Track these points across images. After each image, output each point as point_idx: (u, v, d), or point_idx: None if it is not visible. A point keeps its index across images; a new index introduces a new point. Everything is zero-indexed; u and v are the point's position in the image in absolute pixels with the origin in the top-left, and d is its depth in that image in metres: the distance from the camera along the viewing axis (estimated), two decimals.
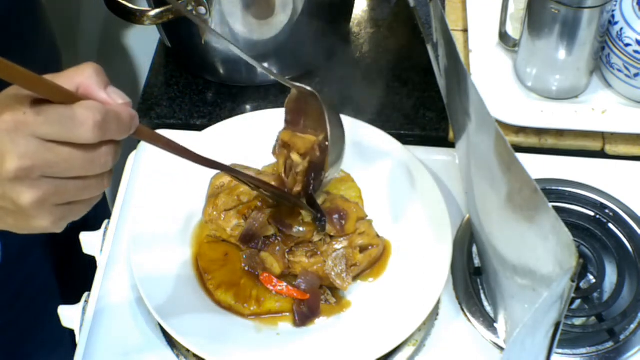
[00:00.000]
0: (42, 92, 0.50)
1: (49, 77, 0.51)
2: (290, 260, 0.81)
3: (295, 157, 0.83)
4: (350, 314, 0.80)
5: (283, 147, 0.84)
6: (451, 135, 0.97)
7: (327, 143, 0.78)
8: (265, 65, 1.02)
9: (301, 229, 0.81)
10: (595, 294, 0.83)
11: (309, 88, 0.80)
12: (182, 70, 1.06)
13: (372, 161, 0.90)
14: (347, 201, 0.84)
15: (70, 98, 0.51)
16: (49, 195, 0.52)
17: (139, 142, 0.98)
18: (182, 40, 1.03)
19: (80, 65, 0.53)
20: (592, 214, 0.87)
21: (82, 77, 0.53)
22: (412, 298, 0.79)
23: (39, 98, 0.50)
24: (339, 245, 0.82)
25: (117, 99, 0.54)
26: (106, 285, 0.84)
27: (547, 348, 0.60)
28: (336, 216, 0.82)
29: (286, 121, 0.84)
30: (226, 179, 0.87)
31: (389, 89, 1.03)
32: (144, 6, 0.91)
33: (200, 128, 0.95)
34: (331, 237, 0.82)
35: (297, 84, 0.80)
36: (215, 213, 0.83)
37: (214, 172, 0.89)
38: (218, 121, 0.93)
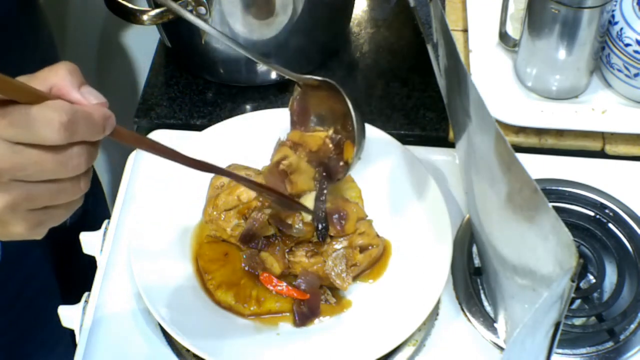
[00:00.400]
0: (7, 93, 0.47)
1: (22, 78, 0.50)
2: (290, 260, 0.81)
3: (302, 164, 0.83)
4: (350, 314, 0.80)
5: (293, 147, 0.85)
6: (451, 135, 0.97)
7: (350, 128, 0.81)
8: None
9: (301, 229, 0.81)
10: (595, 294, 0.83)
11: (319, 78, 0.81)
12: (182, 70, 1.06)
13: (372, 161, 0.90)
14: (347, 201, 0.85)
15: (38, 98, 0.49)
16: (21, 200, 0.51)
17: None
18: (182, 40, 1.03)
19: (54, 65, 0.52)
20: (592, 214, 0.87)
21: (56, 77, 0.51)
22: (412, 298, 0.79)
23: (5, 100, 0.48)
24: (339, 245, 0.82)
25: (91, 99, 0.52)
26: (106, 285, 0.84)
27: (547, 348, 0.60)
28: (336, 216, 0.82)
29: (292, 123, 0.84)
30: (226, 179, 0.87)
31: (389, 89, 1.03)
32: (144, 6, 0.91)
33: (200, 128, 0.95)
34: (331, 237, 0.82)
35: (308, 76, 0.81)
36: (215, 213, 0.83)
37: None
38: (218, 121, 0.93)
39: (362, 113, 0.82)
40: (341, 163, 0.83)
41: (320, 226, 0.81)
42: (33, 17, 0.92)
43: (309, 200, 0.82)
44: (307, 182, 0.83)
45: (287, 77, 0.84)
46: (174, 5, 0.83)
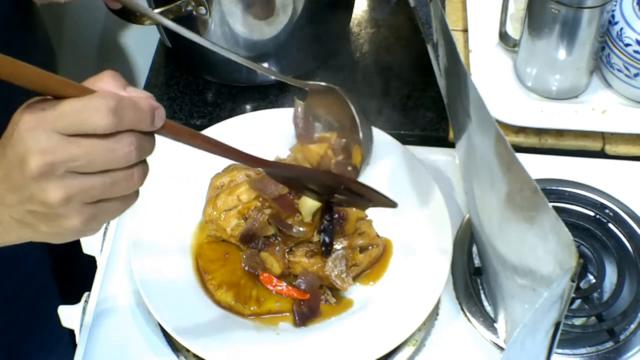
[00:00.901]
0: (56, 90, 0.50)
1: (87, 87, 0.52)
2: (290, 260, 0.81)
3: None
4: (350, 314, 0.80)
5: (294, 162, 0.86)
6: (451, 135, 0.97)
7: (356, 136, 0.82)
8: (265, 65, 1.02)
9: (301, 229, 0.81)
10: (595, 294, 0.83)
11: (323, 84, 0.81)
12: (182, 70, 1.06)
13: (372, 161, 0.89)
14: None
15: (85, 92, 0.51)
16: (76, 191, 0.51)
17: None
18: (182, 40, 1.02)
19: (99, 74, 0.54)
20: (592, 214, 0.87)
21: (101, 82, 0.53)
22: (412, 298, 0.79)
23: (57, 96, 0.50)
24: (339, 245, 0.82)
25: (137, 94, 0.53)
26: (106, 285, 0.84)
27: (547, 348, 0.60)
28: (336, 216, 0.82)
29: (297, 135, 0.85)
30: (226, 179, 0.87)
31: (389, 89, 1.03)
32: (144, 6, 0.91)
33: (200, 128, 0.95)
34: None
35: (312, 82, 0.81)
36: (215, 213, 0.83)
37: (214, 172, 0.89)
38: (218, 121, 0.93)
39: (368, 117, 0.83)
40: (349, 168, 0.83)
41: (326, 239, 0.80)
42: (28, 22, 0.91)
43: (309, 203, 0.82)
44: (319, 151, 0.85)
45: (290, 83, 0.84)
46: (155, 15, 0.83)
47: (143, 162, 0.54)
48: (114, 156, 0.51)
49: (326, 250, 0.80)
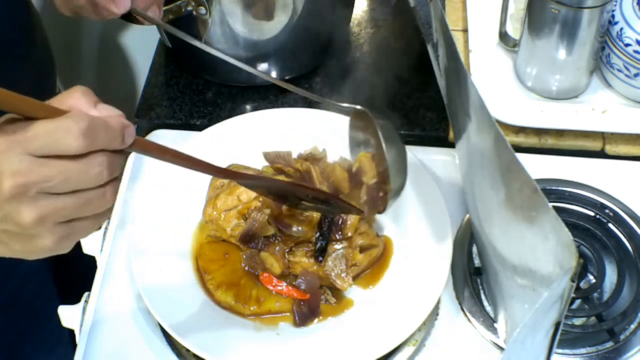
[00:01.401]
0: (27, 111, 0.50)
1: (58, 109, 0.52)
2: (290, 260, 0.81)
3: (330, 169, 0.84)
4: (350, 314, 0.80)
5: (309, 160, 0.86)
6: (451, 135, 0.97)
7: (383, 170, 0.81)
8: (265, 65, 1.02)
9: (301, 229, 0.81)
10: (595, 294, 0.83)
11: (351, 106, 0.82)
12: (182, 70, 1.06)
13: None
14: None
15: (56, 113, 0.51)
16: (48, 212, 0.52)
17: None
18: (182, 40, 1.03)
19: (69, 90, 0.54)
20: (592, 214, 0.87)
21: (71, 99, 0.53)
22: (412, 298, 0.79)
23: (29, 117, 0.51)
24: (339, 245, 0.82)
25: (108, 112, 0.54)
26: (106, 285, 0.84)
27: (547, 348, 0.60)
28: (337, 220, 0.82)
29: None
30: (226, 179, 0.87)
31: (389, 89, 1.03)
32: None
33: (200, 128, 0.95)
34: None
35: (345, 105, 0.82)
36: (215, 213, 0.83)
37: None
38: (218, 121, 0.93)
39: (400, 146, 0.80)
40: (381, 194, 0.82)
41: (322, 245, 0.80)
42: (25, 25, 0.91)
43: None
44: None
45: (317, 100, 0.84)
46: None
47: (114, 180, 0.55)
48: (86, 177, 0.52)
49: (320, 255, 0.80)
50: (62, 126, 0.50)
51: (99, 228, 0.64)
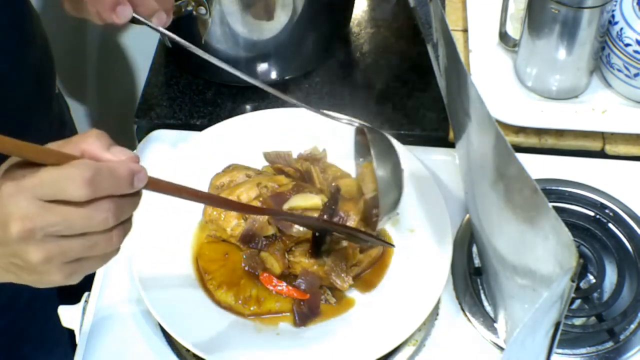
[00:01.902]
0: (37, 158, 0.53)
1: (54, 144, 0.55)
2: (290, 260, 0.81)
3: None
4: (350, 314, 0.80)
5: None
6: (451, 135, 0.97)
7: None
8: (265, 65, 1.02)
9: (301, 229, 0.81)
10: (595, 294, 0.83)
11: (356, 122, 0.82)
12: (182, 70, 1.06)
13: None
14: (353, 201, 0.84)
15: (65, 159, 0.53)
16: (55, 254, 0.54)
17: (138, 142, 0.98)
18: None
19: (84, 133, 0.56)
20: (592, 214, 0.87)
21: (86, 143, 0.55)
22: (412, 298, 0.79)
23: (38, 163, 0.53)
24: (339, 245, 0.81)
25: (120, 155, 0.56)
26: (106, 285, 0.84)
27: (547, 348, 0.60)
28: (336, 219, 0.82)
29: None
30: (226, 179, 0.87)
31: (389, 89, 1.03)
32: None
33: (200, 128, 0.95)
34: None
35: (357, 121, 0.82)
36: (215, 213, 0.83)
37: (214, 172, 0.89)
38: (218, 121, 0.93)
39: (397, 160, 0.79)
40: (374, 210, 0.81)
41: (316, 241, 0.80)
42: (23, 30, 0.91)
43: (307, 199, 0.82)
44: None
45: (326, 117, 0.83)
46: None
47: (124, 222, 0.57)
48: (91, 222, 0.54)
49: (315, 251, 0.80)
50: (67, 175, 0.52)
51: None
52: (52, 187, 0.52)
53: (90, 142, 0.55)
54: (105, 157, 0.55)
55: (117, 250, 0.58)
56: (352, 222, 0.81)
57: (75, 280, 0.58)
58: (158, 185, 0.60)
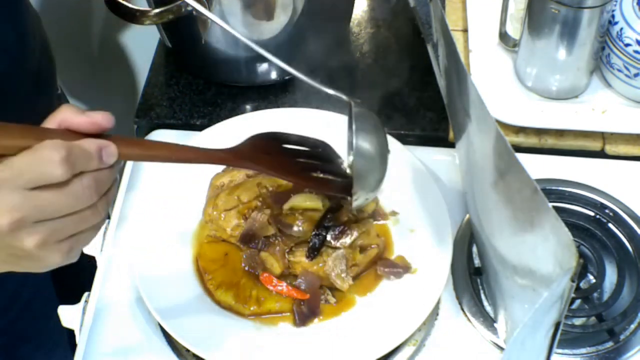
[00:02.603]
0: (11, 139, 0.54)
1: (35, 128, 0.56)
2: (290, 260, 0.81)
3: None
4: (350, 313, 0.80)
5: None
6: (451, 135, 0.97)
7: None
8: (266, 65, 1.02)
9: (301, 229, 0.81)
10: (595, 294, 0.83)
11: (344, 96, 0.76)
12: (182, 70, 1.06)
13: None
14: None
15: (43, 135, 0.55)
16: (48, 236, 0.55)
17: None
18: (182, 40, 1.03)
19: (55, 111, 0.58)
20: (592, 214, 0.87)
21: (60, 114, 0.57)
22: (412, 298, 0.79)
23: (10, 154, 0.54)
24: (339, 242, 0.81)
25: (95, 116, 0.58)
26: (106, 285, 0.84)
27: (547, 348, 0.60)
28: (335, 228, 0.82)
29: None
30: (226, 179, 0.87)
31: (389, 89, 1.03)
32: (144, 6, 0.91)
33: (200, 128, 0.95)
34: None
35: (330, 91, 0.77)
36: (215, 213, 0.83)
37: (214, 172, 0.89)
38: (218, 121, 0.93)
39: (384, 138, 0.74)
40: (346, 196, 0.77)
41: (316, 244, 0.80)
42: (20, 30, 0.91)
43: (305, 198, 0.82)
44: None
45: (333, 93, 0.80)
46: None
47: (107, 192, 0.59)
48: (76, 200, 0.56)
49: (312, 253, 0.80)
50: (42, 157, 0.54)
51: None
52: (32, 173, 0.53)
53: (64, 111, 0.57)
54: (81, 120, 0.57)
55: (105, 219, 0.60)
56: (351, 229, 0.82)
57: (74, 257, 0.59)
58: (128, 156, 0.62)
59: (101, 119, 0.57)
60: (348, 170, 0.78)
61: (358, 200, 0.75)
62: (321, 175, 0.76)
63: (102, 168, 0.57)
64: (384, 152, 0.74)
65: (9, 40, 0.86)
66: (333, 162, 0.78)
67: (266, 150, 0.74)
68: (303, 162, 0.76)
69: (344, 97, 0.77)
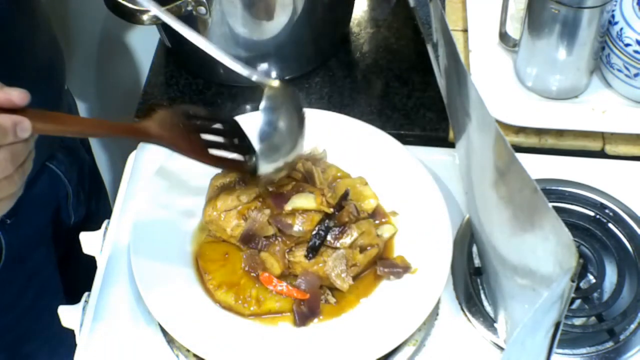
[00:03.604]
0: None
1: None
2: (290, 260, 0.81)
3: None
4: (351, 314, 0.80)
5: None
6: (451, 135, 0.97)
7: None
8: (265, 65, 1.02)
9: (301, 229, 0.81)
10: (595, 294, 0.83)
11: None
12: (182, 70, 1.06)
13: (372, 160, 0.90)
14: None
15: None
16: None
17: (139, 141, 0.98)
18: (182, 40, 1.02)
19: None
20: (592, 214, 0.87)
21: None
22: (412, 298, 0.79)
23: None
24: (338, 243, 0.81)
25: (11, 92, 0.60)
26: (106, 285, 0.84)
27: (547, 348, 0.60)
28: (335, 228, 0.82)
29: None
30: (226, 179, 0.87)
31: (389, 89, 1.04)
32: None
33: None
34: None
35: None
36: (215, 213, 0.83)
37: (214, 172, 0.89)
38: None
39: (300, 111, 0.77)
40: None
41: (315, 244, 0.80)
42: (32, 19, 0.91)
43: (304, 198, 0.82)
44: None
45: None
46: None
47: (22, 164, 0.62)
48: None
49: (312, 253, 0.80)
50: None
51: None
52: None
53: None
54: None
55: (21, 188, 0.63)
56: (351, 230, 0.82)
57: None
58: (44, 130, 0.63)
59: (17, 95, 0.60)
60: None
61: (262, 167, 0.78)
62: (224, 152, 0.78)
63: (18, 141, 0.60)
64: (295, 130, 0.79)
65: (22, 29, 0.87)
66: (240, 138, 0.80)
67: (172, 125, 0.76)
68: (207, 138, 0.78)
69: (262, 79, 0.79)
